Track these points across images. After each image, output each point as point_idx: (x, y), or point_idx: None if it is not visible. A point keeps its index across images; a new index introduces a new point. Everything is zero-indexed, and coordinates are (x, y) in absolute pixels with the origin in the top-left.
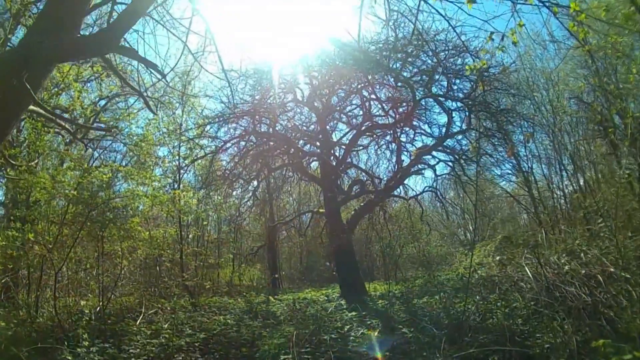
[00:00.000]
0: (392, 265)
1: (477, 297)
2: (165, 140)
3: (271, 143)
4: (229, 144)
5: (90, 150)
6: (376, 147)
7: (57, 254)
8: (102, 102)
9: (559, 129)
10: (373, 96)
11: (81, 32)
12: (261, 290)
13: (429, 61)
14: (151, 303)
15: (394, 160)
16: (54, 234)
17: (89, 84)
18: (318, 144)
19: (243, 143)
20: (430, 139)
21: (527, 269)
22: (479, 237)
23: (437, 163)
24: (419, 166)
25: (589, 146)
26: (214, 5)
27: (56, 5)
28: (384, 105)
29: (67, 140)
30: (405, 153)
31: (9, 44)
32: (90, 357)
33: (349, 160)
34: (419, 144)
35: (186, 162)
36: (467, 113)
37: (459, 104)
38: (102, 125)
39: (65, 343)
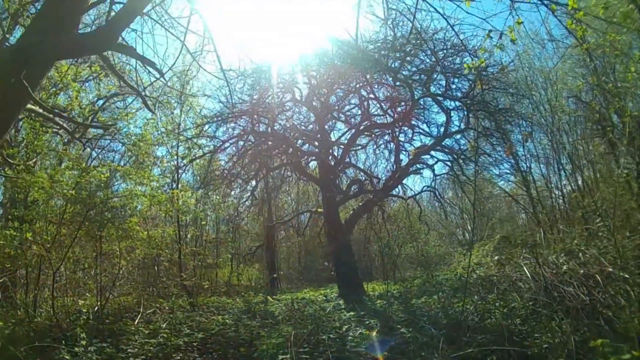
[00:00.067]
0: (391, 265)
1: (476, 297)
2: (163, 140)
3: (270, 143)
4: (227, 144)
5: (88, 149)
6: (375, 146)
7: (55, 254)
8: (101, 102)
9: (558, 129)
10: (371, 95)
11: (79, 32)
12: (259, 290)
13: (428, 60)
14: (149, 303)
15: (392, 159)
16: (52, 234)
17: (87, 84)
18: (316, 143)
19: (241, 143)
20: (429, 138)
21: (525, 269)
22: (478, 236)
23: (436, 163)
24: (418, 166)
25: (587, 145)
26: (213, 4)
27: (55, 3)
28: (382, 104)
29: (66, 140)
30: (404, 153)
31: (6, 44)
32: (88, 357)
33: (348, 159)
34: (417, 144)
35: (184, 161)
36: (465, 112)
37: (458, 103)
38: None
39: (63, 342)
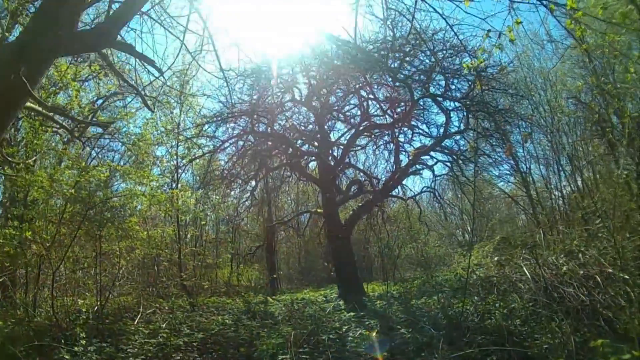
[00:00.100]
0: (391, 265)
1: (476, 298)
2: (163, 140)
3: (269, 143)
4: (227, 144)
5: (88, 149)
6: (374, 147)
7: (54, 253)
8: (100, 102)
9: (557, 130)
10: (371, 96)
11: (78, 30)
12: (259, 290)
13: (427, 61)
14: (149, 303)
15: (392, 160)
16: (52, 233)
17: (86, 83)
18: (316, 143)
19: (241, 143)
20: (429, 139)
21: (525, 270)
22: (477, 237)
23: (436, 163)
24: (417, 166)
25: (587, 146)
26: (212, 4)
27: (54, 1)
28: (382, 105)
29: (65, 140)
30: (404, 153)
31: (5, 42)
32: (88, 356)
33: (347, 160)
34: (417, 144)
35: (184, 161)
36: (465, 113)
37: (457, 104)
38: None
39: (63, 342)
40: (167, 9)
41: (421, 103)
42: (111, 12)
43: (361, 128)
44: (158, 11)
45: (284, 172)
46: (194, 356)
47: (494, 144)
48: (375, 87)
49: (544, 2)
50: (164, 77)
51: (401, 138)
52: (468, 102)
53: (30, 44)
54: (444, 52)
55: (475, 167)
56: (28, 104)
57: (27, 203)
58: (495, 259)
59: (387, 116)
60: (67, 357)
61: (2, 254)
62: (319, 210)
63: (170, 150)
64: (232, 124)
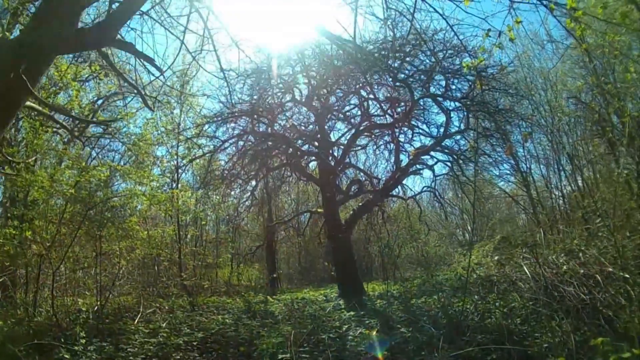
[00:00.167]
0: (391, 265)
1: (476, 297)
2: (163, 140)
3: (269, 143)
4: (227, 144)
5: (88, 149)
6: (374, 147)
7: (55, 253)
8: (100, 102)
9: (557, 129)
10: (371, 96)
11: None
12: (259, 290)
13: (427, 61)
14: (149, 302)
15: (392, 160)
16: (52, 233)
17: (87, 84)
18: (316, 143)
19: (241, 143)
20: (429, 139)
21: (525, 269)
22: (478, 237)
23: (436, 163)
24: (418, 166)
25: (587, 146)
26: (212, 4)
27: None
28: (382, 105)
29: (66, 140)
30: (404, 153)
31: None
32: (88, 356)
33: (348, 160)
34: (417, 144)
35: (184, 161)
36: (465, 113)
37: (457, 103)
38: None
39: (62, 341)
40: (168, 9)
41: (421, 103)
42: (111, 11)
43: (361, 128)
44: (158, 11)
45: (284, 172)
46: (194, 355)
47: (494, 143)
48: (376, 87)
49: (544, 2)
50: (164, 77)
51: (401, 138)
52: (468, 102)
53: (30, 42)
54: (444, 52)
55: (476, 167)
56: (28, 103)
57: (27, 203)
58: (496, 258)
59: (387, 116)
60: (67, 356)
61: (3, 253)
62: (319, 210)
63: (170, 150)
64: (232, 124)
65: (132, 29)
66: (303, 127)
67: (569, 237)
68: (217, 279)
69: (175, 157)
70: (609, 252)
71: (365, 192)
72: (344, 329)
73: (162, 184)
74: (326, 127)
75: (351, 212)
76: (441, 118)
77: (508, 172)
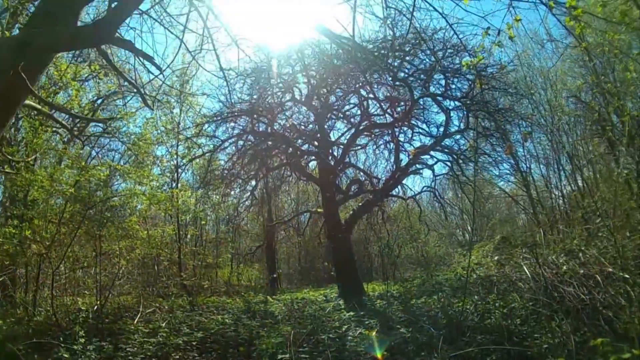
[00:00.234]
0: (391, 265)
1: (476, 297)
2: (163, 139)
3: (269, 142)
4: (227, 143)
5: (87, 148)
6: (374, 146)
7: (54, 253)
8: (100, 101)
9: (557, 129)
10: (371, 95)
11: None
12: (259, 290)
13: (427, 60)
14: (149, 302)
15: (392, 159)
16: (52, 233)
17: (86, 83)
18: (316, 143)
19: (241, 142)
20: (429, 138)
21: (525, 269)
22: (478, 237)
23: (436, 163)
24: (417, 166)
25: (587, 146)
26: (212, 3)
27: None
28: (382, 104)
29: (65, 139)
30: (404, 153)
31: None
32: (87, 355)
33: (347, 159)
34: (417, 144)
35: (184, 161)
36: (465, 112)
37: (457, 103)
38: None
39: (61, 339)
40: (167, 8)
41: (421, 102)
42: (110, 9)
43: (361, 127)
44: (158, 10)
45: (284, 172)
46: (193, 355)
47: (494, 143)
48: (375, 86)
49: (544, 0)
50: (163, 76)
51: (401, 137)
52: (468, 102)
53: (29, 40)
54: (444, 51)
55: (476, 167)
56: (28, 102)
57: (27, 202)
58: (496, 258)
59: (387, 115)
60: (66, 355)
61: (2, 252)
62: (319, 209)
63: (170, 150)
64: (232, 124)
65: (131, 28)
66: (303, 127)
67: (568, 237)
68: (217, 279)
69: (175, 156)
70: (609, 252)
71: (365, 191)
72: (344, 329)
73: (161, 184)
74: (326, 126)
75: (351, 212)
76: (441, 117)
77: (508, 171)
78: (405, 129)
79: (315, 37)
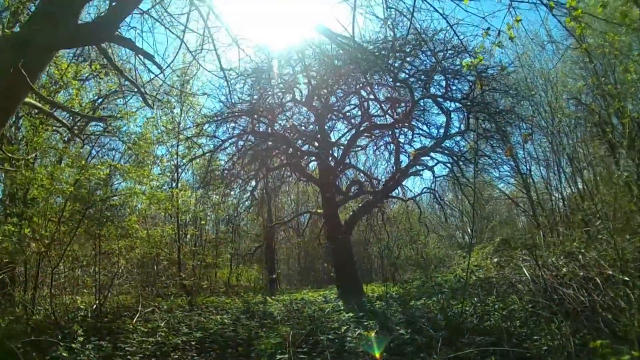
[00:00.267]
0: (390, 266)
1: (475, 299)
2: (163, 139)
3: (269, 143)
4: (227, 144)
5: (88, 147)
6: (375, 147)
7: (54, 251)
8: (100, 100)
9: (558, 131)
10: (371, 96)
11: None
12: (259, 290)
13: (428, 61)
14: (148, 302)
15: (392, 161)
16: (51, 231)
17: (87, 82)
18: (316, 144)
19: (241, 142)
20: (429, 139)
21: (525, 271)
22: (477, 239)
23: (436, 164)
24: (418, 167)
25: (587, 148)
26: (212, 3)
27: None
28: (382, 105)
29: (66, 138)
30: (404, 154)
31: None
32: (86, 354)
33: (348, 160)
34: (417, 145)
35: (184, 161)
36: (465, 114)
37: (458, 104)
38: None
39: (60, 338)
40: (168, 8)
41: (421, 104)
42: (111, 8)
43: (361, 128)
44: (158, 10)
45: (284, 172)
46: (192, 355)
47: (495, 145)
48: (376, 87)
49: (544, 1)
50: (163, 75)
51: (401, 139)
52: (468, 103)
53: (30, 37)
54: (445, 52)
55: (476, 168)
56: (28, 100)
57: (26, 201)
58: (495, 260)
59: (387, 116)
60: (65, 354)
61: (2, 250)
62: (319, 210)
63: (170, 150)
64: (232, 124)
65: (132, 27)
66: (303, 127)
67: (568, 239)
68: (216, 279)
69: (175, 156)
70: (609, 255)
71: (365, 192)
72: (343, 330)
73: (161, 183)
74: (326, 127)
75: (351, 213)
76: (441, 119)
77: (508, 173)
78: (405, 130)
79: (315, 37)
